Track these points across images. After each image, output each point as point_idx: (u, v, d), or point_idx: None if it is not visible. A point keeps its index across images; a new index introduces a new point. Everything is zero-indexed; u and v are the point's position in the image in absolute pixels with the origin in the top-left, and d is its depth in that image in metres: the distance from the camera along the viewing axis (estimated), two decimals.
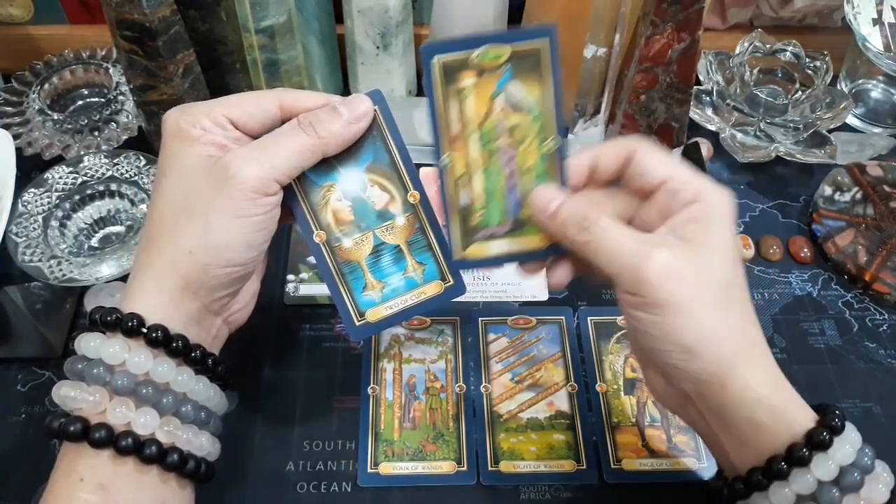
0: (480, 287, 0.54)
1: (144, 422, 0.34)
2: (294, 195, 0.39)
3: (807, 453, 0.33)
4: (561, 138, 0.38)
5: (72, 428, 0.33)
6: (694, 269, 0.34)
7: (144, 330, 0.35)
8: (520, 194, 0.39)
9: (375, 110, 0.39)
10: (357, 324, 0.40)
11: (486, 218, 0.39)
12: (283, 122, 0.39)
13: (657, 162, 0.37)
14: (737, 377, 0.34)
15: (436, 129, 0.38)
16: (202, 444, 0.36)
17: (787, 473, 0.34)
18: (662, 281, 0.33)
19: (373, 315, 0.41)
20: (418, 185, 0.40)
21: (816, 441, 0.33)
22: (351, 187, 0.39)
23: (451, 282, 0.41)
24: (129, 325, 0.34)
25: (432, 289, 0.41)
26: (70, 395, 0.34)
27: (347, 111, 0.37)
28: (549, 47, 0.37)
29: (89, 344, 0.34)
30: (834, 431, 0.34)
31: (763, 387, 0.35)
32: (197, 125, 0.36)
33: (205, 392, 0.37)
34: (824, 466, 0.33)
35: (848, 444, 0.34)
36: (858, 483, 0.34)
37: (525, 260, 0.40)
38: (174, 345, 0.35)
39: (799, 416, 0.35)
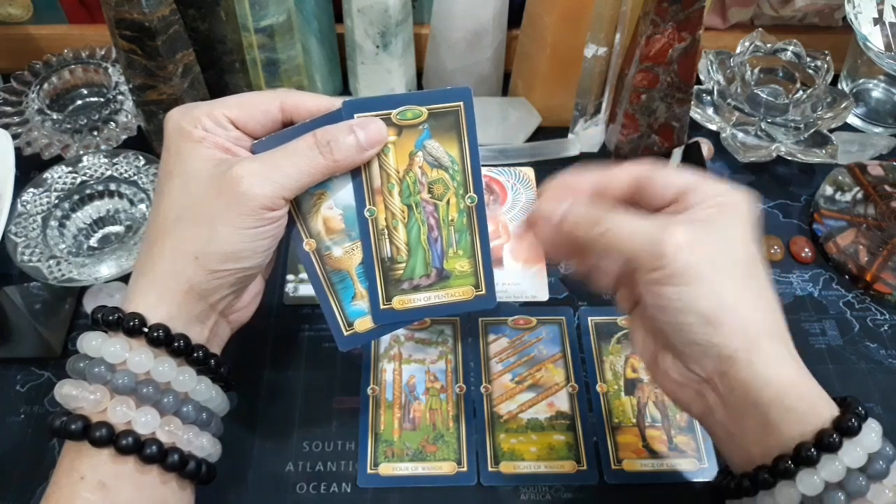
0: None
1: (145, 421, 0.34)
2: None
3: (837, 439, 0.33)
4: (477, 196, 0.40)
5: (73, 426, 0.33)
6: (713, 243, 0.35)
7: (146, 329, 0.35)
8: (443, 247, 0.40)
9: None
10: (345, 334, 0.41)
11: (409, 270, 0.40)
12: (283, 123, 0.39)
13: (675, 176, 0.37)
14: (762, 354, 0.34)
15: (360, 181, 0.39)
16: (203, 445, 0.36)
17: (817, 460, 0.33)
18: (682, 250, 0.34)
19: (361, 325, 0.41)
20: None
21: (845, 428, 0.33)
22: (342, 196, 0.39)
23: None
24: (131, 325, 0.34)
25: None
26: (72, 393, 0.34)
27: (364, 136, 0.37)
28: (464, 109, 0.39)
29: (91, 343, 0.34)
30: (860, 419, 0.34)
31: (789, 369, 0.34)
32: (199, 126, 0.37)
33: (206, 393, 0.37)
34: (853, 453, 0.33)
35: (873, 433, 0.34)
36: (884, 471, 0.33)
37: (453, 311, 0.41)
38: (176, 344, 0.35)
39: (824, 404, 0.35)
